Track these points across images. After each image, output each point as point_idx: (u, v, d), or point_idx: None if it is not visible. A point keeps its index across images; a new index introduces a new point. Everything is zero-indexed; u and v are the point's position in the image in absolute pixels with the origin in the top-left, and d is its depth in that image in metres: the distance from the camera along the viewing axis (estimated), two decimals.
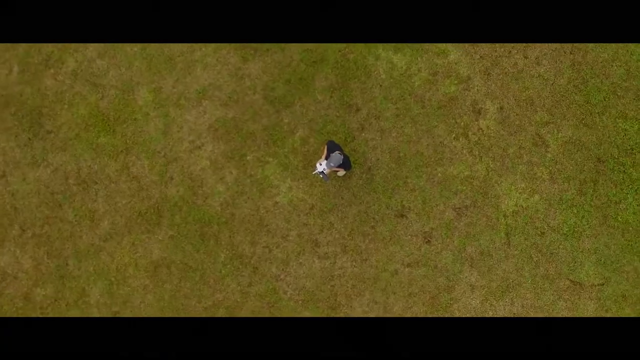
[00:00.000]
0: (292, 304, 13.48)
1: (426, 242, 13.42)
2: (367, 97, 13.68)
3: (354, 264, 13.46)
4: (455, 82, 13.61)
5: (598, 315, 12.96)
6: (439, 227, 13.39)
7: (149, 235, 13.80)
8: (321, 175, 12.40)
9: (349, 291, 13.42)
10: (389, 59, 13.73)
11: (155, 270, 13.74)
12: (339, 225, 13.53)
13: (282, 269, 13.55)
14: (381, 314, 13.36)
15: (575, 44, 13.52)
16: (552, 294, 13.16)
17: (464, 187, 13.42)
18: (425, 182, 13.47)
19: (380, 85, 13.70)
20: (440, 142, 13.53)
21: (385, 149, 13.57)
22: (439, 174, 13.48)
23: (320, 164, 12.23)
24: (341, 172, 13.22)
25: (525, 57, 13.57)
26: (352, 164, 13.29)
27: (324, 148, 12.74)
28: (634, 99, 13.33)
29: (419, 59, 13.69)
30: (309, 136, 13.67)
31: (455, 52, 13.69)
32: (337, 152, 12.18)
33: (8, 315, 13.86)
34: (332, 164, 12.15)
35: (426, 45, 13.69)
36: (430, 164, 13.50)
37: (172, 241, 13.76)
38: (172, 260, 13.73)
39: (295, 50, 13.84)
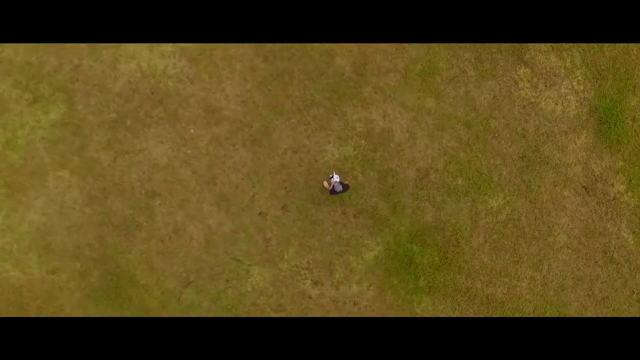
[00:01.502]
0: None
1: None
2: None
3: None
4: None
5: None
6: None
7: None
8: (332, 179, 17.27)
9: (277, 246, 17.90)
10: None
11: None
12: (317, 214, 18.04)
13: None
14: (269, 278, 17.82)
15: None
16: None
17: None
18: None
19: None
20: None
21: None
22: None
23: (338, 177, 17.64)
24: (336, 179, 18.28)
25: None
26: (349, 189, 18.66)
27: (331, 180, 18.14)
28: None
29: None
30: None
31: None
32: (343, 184, 17.58)
33: None
34: (340, 189, 17.69)
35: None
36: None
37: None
38: None
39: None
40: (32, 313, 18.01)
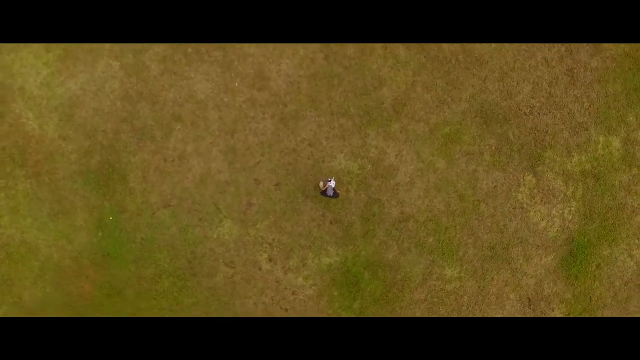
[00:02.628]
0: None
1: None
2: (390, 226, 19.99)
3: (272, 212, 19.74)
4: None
5: None
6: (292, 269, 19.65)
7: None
8: (329, 182, 18.89)
9: (255, 213, 19.70)
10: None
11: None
12: (301, 205, 19.78)
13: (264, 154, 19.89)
14: (235, 235, 19.60)
15: None
16: None
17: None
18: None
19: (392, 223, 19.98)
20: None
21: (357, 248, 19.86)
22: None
23: (334, 183, 19.13)
24: (331, 185, 19.83)
25: None
26: (339, 195, 20.04)
27: (327, 183, 19.61)
28: None
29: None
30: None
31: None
32: (335, 191, 19.06)
33: None
34: (331, 194, 19.19)
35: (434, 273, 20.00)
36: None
37: None
38: None
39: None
40: (29, 163, 19.73)
